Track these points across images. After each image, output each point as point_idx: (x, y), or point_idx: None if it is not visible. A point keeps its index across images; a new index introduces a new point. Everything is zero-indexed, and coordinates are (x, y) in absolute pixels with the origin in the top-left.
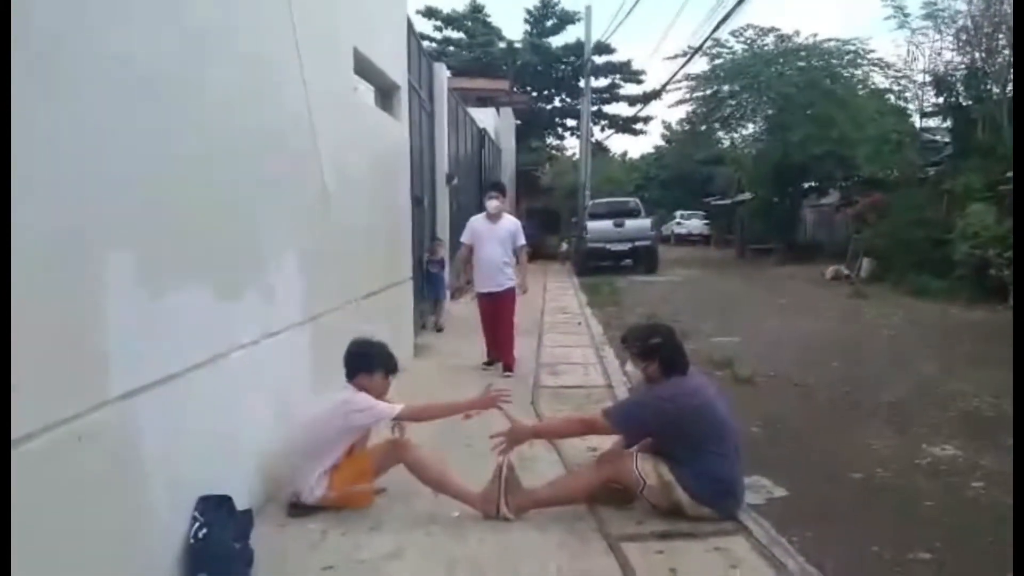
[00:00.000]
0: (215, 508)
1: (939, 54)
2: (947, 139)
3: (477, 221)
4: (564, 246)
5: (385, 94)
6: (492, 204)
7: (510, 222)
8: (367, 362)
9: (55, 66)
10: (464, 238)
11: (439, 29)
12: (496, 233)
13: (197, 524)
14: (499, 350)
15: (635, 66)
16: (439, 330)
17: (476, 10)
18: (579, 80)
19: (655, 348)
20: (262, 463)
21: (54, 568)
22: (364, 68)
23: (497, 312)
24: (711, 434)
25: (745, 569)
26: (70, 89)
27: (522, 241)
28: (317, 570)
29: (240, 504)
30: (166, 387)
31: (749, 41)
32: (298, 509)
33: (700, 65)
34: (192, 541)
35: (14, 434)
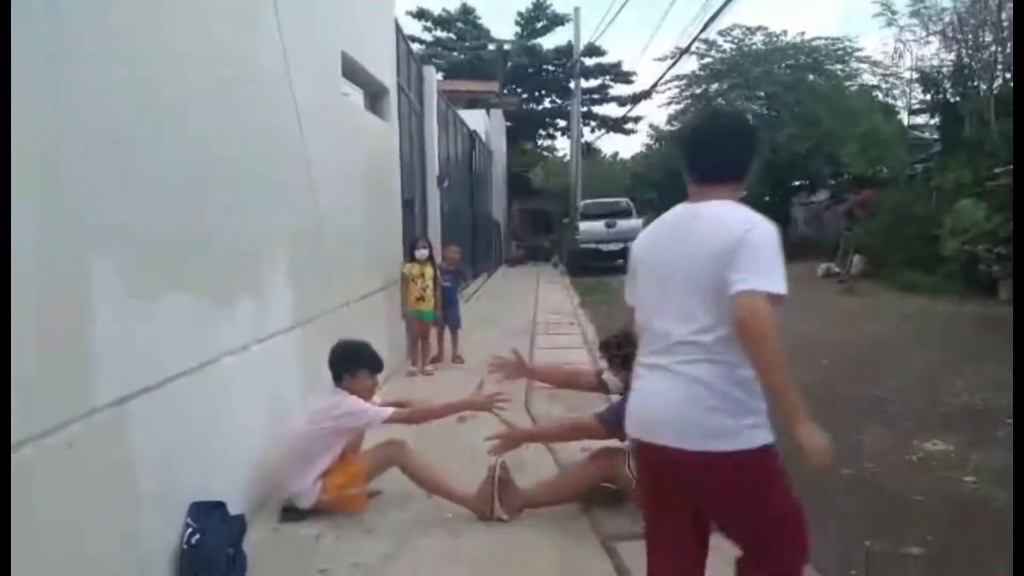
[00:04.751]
0: (207, 514)
1: (926, 47)
2: (935, 136)
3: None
4: (555, 259)
5: (374, 97)
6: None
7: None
8: (349, 364)
9: (53, 68)
10: None
11: (429, 30)
12: None
13: (190, 530)
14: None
15: (625, 67)
16: (460, 361)
17: (467, 11)
18: (570, 81)
19: (629, 356)
20: (255, 468)
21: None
22: (353, 72)
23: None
24: None
25: None
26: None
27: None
28: (312, 574)
29: (233, 509)
30: (157, 393)
31: (737, 40)
32: (292, 513)
33: (690, 64)
34: (185, 547)
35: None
